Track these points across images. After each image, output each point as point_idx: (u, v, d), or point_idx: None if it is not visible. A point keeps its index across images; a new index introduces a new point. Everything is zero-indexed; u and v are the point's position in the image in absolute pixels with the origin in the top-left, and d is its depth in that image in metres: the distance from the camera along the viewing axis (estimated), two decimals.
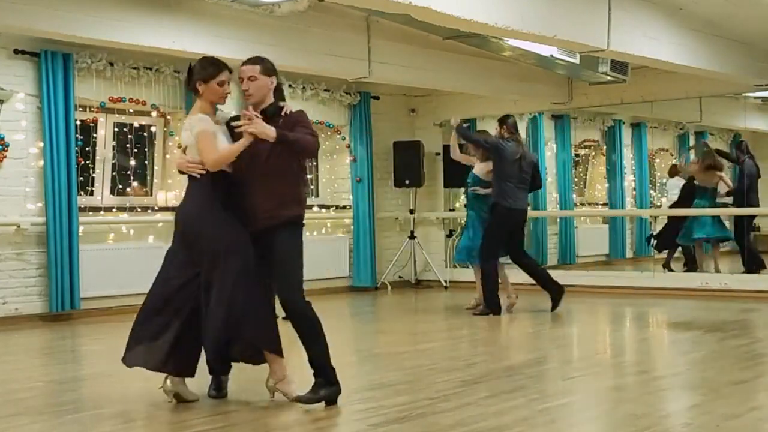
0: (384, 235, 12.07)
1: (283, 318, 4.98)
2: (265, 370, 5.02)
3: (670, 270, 11.72)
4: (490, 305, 8.72)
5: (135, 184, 9.87)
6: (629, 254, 14.26)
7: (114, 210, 9.46)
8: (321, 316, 8.55)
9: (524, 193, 8.88)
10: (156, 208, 9.86)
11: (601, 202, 14.48)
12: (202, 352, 4.89)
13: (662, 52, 8.14)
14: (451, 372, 5.84)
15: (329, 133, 11.69)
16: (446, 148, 12.39)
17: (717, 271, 11.36)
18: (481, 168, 9.02)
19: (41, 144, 8.73)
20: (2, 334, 7.97)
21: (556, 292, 8.86)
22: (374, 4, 6.65)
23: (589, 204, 14.61)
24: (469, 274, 12.18)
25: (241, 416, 4.74)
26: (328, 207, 11.64)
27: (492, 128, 12.46)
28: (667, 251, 12.13)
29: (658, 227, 12.46)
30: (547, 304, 8.91)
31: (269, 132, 4.64)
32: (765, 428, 4.35)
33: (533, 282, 9.09)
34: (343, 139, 11.67)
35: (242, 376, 6.04)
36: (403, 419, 4.49)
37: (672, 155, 14.36)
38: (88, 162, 9.38)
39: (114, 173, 9.67)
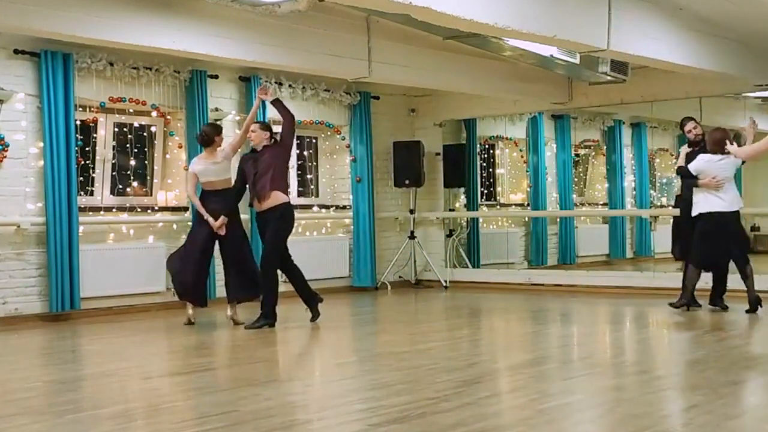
0: (384, 235, 12.08)
1: None
2: None
3: None
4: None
5: (135, 184, 9.88)
6: (629, 254, 14.27)
7: (114, 210, 9.46)
8: (321, 316, 8.60)
9: None
10: (156, 208, 9.85)
11: (601, 202, 14.49)
12: None
13: (662, 52, 8.14)
14: (451, 372, 5.84)
15: (329, 133, 11.69)
16: (446, 148, 12.45)
17: None
18: None
19: (41, 144, 8.73)
20: (2, 334, 7.97)
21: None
22: (374, 4, 6.65)
23: (589, 204, 14.61)
24: (468, 274, 12.23)
25: (241, 416, 4.73)
26: (328, 207, 11.64)
27: (490, 128, 12.48)
28: None
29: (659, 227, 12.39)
30: (545, 305, 8.90)
31: None
32: (765, 428, 4.35)
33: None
34: (343, 139, 11.68)
35: (245, 378, 6.05)
36: (403, 419, 4.48)
37: (672, 155, 14.36)
38: (88, 162, 9.38)
39: (114, 173, 9.68)
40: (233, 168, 8.42)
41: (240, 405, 5.02)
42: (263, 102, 8.49)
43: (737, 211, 8.52)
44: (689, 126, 8.97)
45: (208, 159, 8.30)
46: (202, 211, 8.17)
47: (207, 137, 8.33)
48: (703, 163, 8.47)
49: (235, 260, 8.21)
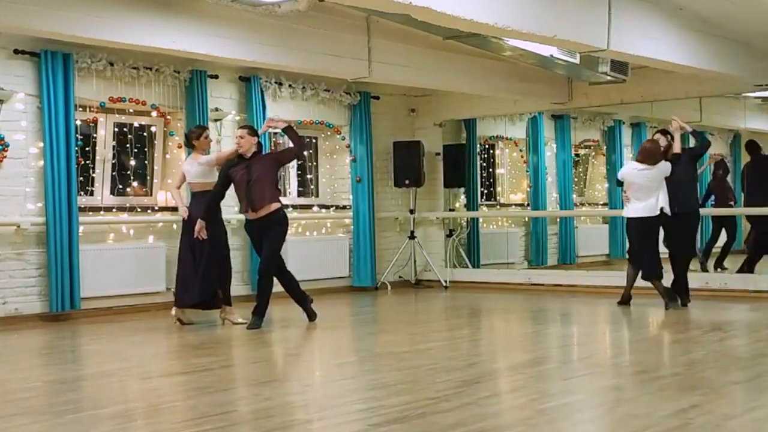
0: (384, 235, 12.08)
1: None
2: None
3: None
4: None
5: (135, 184, 9.88)
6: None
7: (114, 210, 9.46)
8: (321, 317, 8.61)
9: None
10: (156, 208, 9.86)
11: (601, 202, 14.49)
12: None
13: (662, 52, 8.14)
14: (451, 372, 5.84)
15: (329, 133, 11.69)
16: (446, 148, 12.45)
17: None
18: None
19: (41, 144, 8.73)
20: (2, 334, 7.97)
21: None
22: (374, 4, 6.65)
23: (589, 204, 14.61)
24: (468, 274, 12.24)
25: (241, 416, 4.74)
26: (328, 207, 11.64)
27: (490, 128, 12.45)
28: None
29: None
30: (545, 305, 8.90)
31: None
32: (765, 428, 4.35)
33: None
34: (343, 139, 11.67)
35: (245, 378, 6.05)
36: (403, 419, 4.48)
37: None
38: (88, 162, 9.38)
39: (114, 173, 9.68)
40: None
41: (240, 405, 5.02)
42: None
43: (659, 216, 8.78)
44: (656, 137, 9.24)
45: (193, 160, 8.36)
46: (179, 204, 8.41)
47: (186, 139, 8.63)
48: (625, 171, 9.07)
49: (202, 264, 8.11)
